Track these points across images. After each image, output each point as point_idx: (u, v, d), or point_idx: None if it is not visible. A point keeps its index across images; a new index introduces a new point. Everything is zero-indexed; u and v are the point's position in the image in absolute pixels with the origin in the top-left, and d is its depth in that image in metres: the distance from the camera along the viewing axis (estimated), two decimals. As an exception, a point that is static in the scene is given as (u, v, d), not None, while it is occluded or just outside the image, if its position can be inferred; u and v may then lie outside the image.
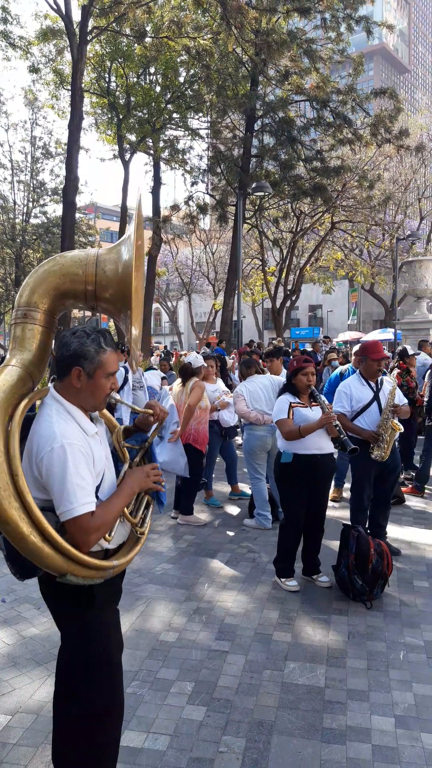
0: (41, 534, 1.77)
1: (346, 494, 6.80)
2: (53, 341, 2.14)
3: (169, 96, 21.51)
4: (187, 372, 5.94)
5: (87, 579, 1.90)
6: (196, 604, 4.08)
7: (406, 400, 4.75)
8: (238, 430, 7.22)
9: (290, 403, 4.23)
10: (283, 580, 4.36)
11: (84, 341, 1.95)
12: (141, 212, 2.10)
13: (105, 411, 2.25)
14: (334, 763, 2.55)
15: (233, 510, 6.43)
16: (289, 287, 23.92)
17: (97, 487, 1.97)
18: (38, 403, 2.03)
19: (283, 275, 23.96)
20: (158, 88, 21.79)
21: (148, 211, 21.94)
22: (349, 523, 4.48)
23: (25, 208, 28.41)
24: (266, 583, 4.46)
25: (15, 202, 28.15)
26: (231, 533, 5.63)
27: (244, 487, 6.95)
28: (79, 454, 1.86)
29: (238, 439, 9.00)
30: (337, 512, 6.15)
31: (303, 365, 4.22)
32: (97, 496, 1.94)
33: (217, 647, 3.50)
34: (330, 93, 17.62)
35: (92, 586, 1.97)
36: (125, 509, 2.05)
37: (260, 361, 7.34)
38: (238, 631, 3.70)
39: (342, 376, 6.18)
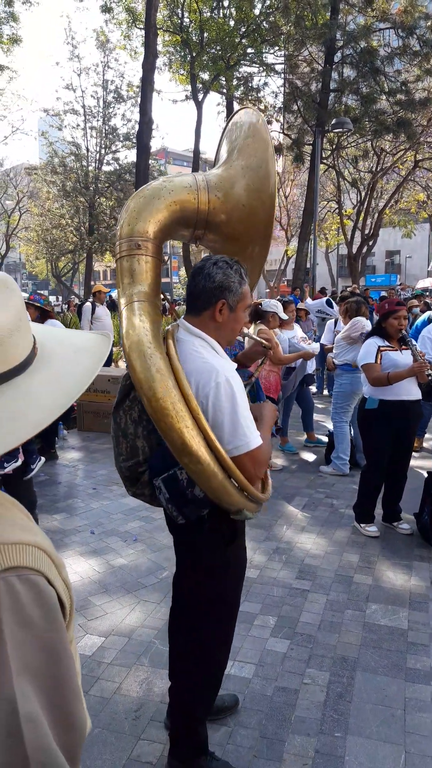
0: (225, 471, 1.77)
1: (427, 444, 6.64)
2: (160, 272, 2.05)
3: (243, 30, 20.52)
4: (256, 314, 5.80)
5: (253, 513, 1.91)
6: (275, 544, 4.15)
7: None
8: (315, 377, 7.10)
9: (379, 346, 4.10)
10: (362, 525, 4.35)
11: (228, 272, 1.87)
12: (267, 135, 1.92)
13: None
14: (419, 701, 2.57)
15: (309, 456, 6.43)
16: (367, 231, 22.94)
17: None
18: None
19: (361, 219, 22.95)
20: (232, 23, 20.83)
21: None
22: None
23: (98, 155, 28.37)
24: (345, 527, 4.46)
25: (88, 149, 28.15)
26: (308, 479, 5.65)
27: (320, 436, 6.90)
28: (240, 386, 1.82)
29: (312, 388, 8.90)
30: (417, 461, 6.01)
31: (395, 308, 4.06)
32: None
33: (297, 586, 3.57)
34: (418, 19, 16.24)
35: (236, 522, 1.98)
36: None
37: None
38: (318, 572, 3.75)
39: (430, 322, 5.92)
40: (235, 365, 1.98)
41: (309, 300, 11.30)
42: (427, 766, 2.22)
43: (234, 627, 2.22)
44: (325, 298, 10.36)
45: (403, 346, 4.09)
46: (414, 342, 4.07)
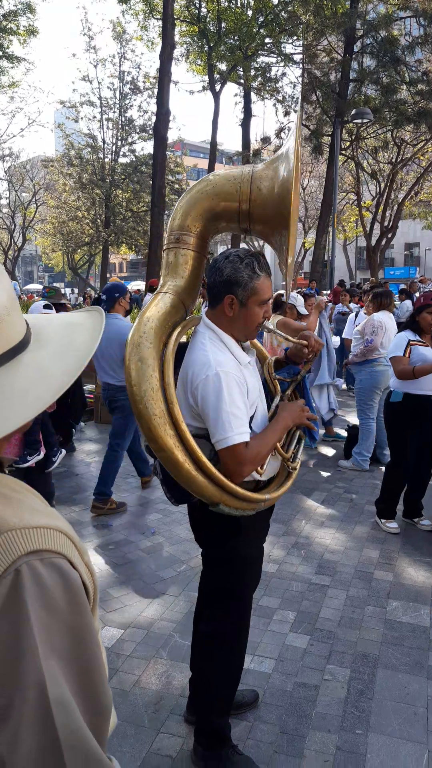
0: (195, 462, 1.80)
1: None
2: (204, 266, 2.07)
3: (262, 19, 20.32)
4: (276, 304, 5.75)
5: (239, 510, 1.91)
6: (294, 539, 4.13)
7: None
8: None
9: (409, 340, 4.04)
10: (383, 521, 4.31)
11: (237, 266, 1.85)
12: (300, 125, 1.91)
13: (255, 341, 2.18)
14: (442, 700, 2.54)
15: (328, 451, 6.38)
16: (386, 224, 22.66)
17: (251, 418, 1.93)
18: (191, 330, 2.01)
19: (380, 210, 22.68)
20: (250, 12, 20.63)
21: (237, 144, 21.27)
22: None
23: (114, 147, 28.34)
24: (365, 523, 4.42)
25: (104, 141, 28.14)
26: (326, 473, 5.60)
27: (338, 430, 6.84)
28: (233, 382, 1.82)
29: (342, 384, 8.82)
30: (437, 457, 5.95)
31: (431, 302, 3.99)
32: (250, 427, 1.91)
33: (317, 581, 3.54)
34: (440, 7, 15.94)
35: (240, 517, 1.97)
36: (277, 443, 1.99)
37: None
38: (338, 567, 3.71)
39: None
40: (251, 359, 1.98)
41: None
42: (451, 766, 2.19)
43: (247, 621, 2.20)
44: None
45: None
46: None
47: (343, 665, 2.77)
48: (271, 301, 5.50)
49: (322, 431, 6.55)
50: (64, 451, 4.18)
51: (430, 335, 4.05)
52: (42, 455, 3.53)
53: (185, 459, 1.78)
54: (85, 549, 0.85)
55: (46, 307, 5.30)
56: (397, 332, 4.28)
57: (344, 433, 6.25)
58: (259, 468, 1.93)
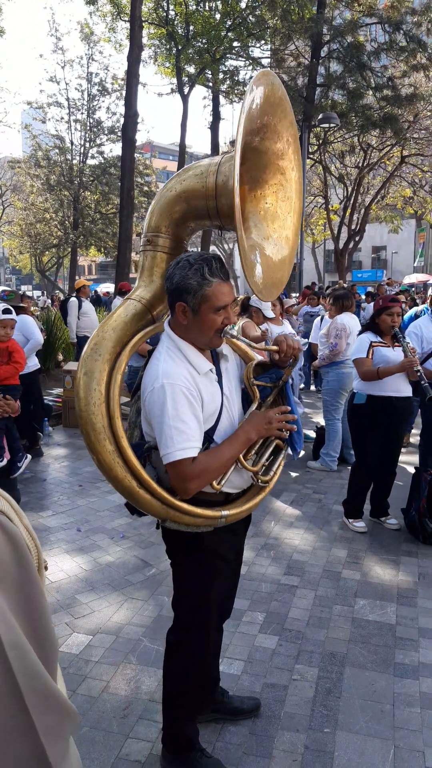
0: (136, 478, 1.77)
1: (413, 440, 6.67)
2: None
3: (229, 23, 20.42)
4: (242, 308, 5.76)
5: (191, 526, 1.86)
6: (264, 540, 4.14)
7: None
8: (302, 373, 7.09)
9: (371, 342, 4.10)
10: (351, 520, 4.36)
11: (185, 273, 1.75)
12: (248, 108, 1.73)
13: (239, 343, 2.03)
14: (408, 696, 2.58)
15: (297, 451, 6.41)
16: (353, 227, 22.96)
17: (213, 430, 1.86)
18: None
19: (347, 214, 22.97)
20: (218, 16, 20.71)
21: (206, 147, 21.31)
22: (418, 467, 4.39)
23: (82, 149, 28.11)
24: (333, 523, 4.47)
25: (72, 143, 27.88)
26: (295, 474, 5.65)
27: (308, 431, 6.90)
28: (180, 395, 1.74)
29: (301, 384, 8.90)
30: (404, 457, 6.03)
31: (389, 305, 4.05)
32: (213, 440, 1.85)
33: (286, 581, 3.56)
34: (404, 14, 16.26)
35: (201, 533, 1.90)
36: (241, 456, 1.86)
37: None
38: (306, 567, 3.74)
39: (417, 317, 5.94)
40: (209, 367, 1.87)
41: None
42: (416, 761, 2.23)
43: (209, 631, 2.12)
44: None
45: (396, 344, 4.09)
46: (407, 339, 4.07)
47: (312, 665, 2.79)
48: (237, 306, 5.47)
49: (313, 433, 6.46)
50: (29, 457, 4.12)
51: (391, 336, 4.12)
52: (5, 461, 3.47)
53: (125, 475, 1.76)
54: (23, 514, 0.88)
55: (5, 311, 5.27)
56: (359, 334, 4.35)
57: (313, 434, 6.31)
58: (214, 483, 1.83)
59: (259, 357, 2.10)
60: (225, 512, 1.87)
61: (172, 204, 1.88)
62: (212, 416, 1.86)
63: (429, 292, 5.44)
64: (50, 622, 0.82)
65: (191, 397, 1.77)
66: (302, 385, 9.50)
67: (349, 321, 5.54)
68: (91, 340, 1.85)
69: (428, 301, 5.53)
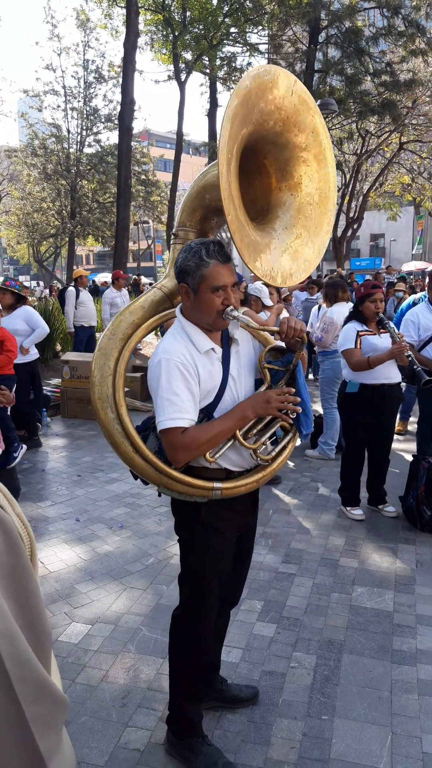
0: (132, 444, 1.93)
1: (411, 427, 6.67)
2: None
3: (226, 9, 20.18)
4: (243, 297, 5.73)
5: (184, 495, 1.93)
6: (262, 528, 4.15)
7: None
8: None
9: (358, 331, 4.09)
10: (348, 508, 4.37)
11: (186, 255, 1.89)
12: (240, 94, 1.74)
13: (262, 332, 2.10)
14: (405, 683, 2.59)
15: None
16: (351, 215, 22.85)
17: (214, 407, 1.93)
18: None
19: (345, 201, 22.84)
20: (215, 1, 20.47)
21: (204, 134, 21.12)
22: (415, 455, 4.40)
23: (79, 137, 27.87)
24: (330, 511, 4.48)
25: (69, 131, 27.64)
26: (293, 463, 5.65)
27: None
28: (175, 369, 1.86)
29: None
30: (402, 445, 6.05)
31: (371, 291, 4.04)
32: (212, 416, 1.92)
33: (284, 570, 3.57)
34: (403, -2, 16.08)
35: (199, 504, 1.97)
36: (238, 433, 1.90)
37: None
38: (304, 556, 3.75)
39: (415, 305, 5.91)
40: (211, 347, 1.94)
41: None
42: (413, 747, 2.24)
43: (207, 609, 2.12)
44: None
45: (381, 330, 4.08)
46: (392, 324, 4.05)
47: (310, 652, 2.80)
48: (240, 289, 5.42)
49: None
50: (24, 447, 4.12)
51: (375, 323, 4.10)
52: (0, 451, 3.47)
53: (123, 441, 1.95)
54: (16, 503, 0.89)
55: (17, 299, 5.29)
56: (343, 324, 4.33)
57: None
58: (208, 456, 1.88)
59: (277, 342, 2.12)
60: (218, 484, 1.92)
61: (194, 199, 2.02)
62: (211, 393, 1.94)
63: (426, 280, 5.39)
64: (43, 610, 0.82)
65: (186, 372, 1.87)
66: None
67: (343, 312, 5.53)
68: (112, 323, 2.07)
69: (427, 289, 5.49)
